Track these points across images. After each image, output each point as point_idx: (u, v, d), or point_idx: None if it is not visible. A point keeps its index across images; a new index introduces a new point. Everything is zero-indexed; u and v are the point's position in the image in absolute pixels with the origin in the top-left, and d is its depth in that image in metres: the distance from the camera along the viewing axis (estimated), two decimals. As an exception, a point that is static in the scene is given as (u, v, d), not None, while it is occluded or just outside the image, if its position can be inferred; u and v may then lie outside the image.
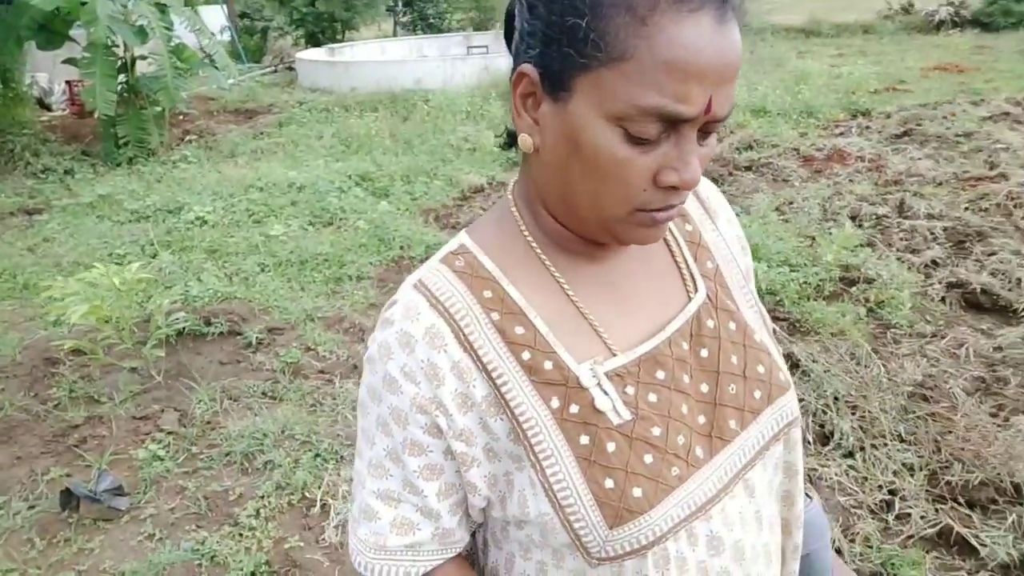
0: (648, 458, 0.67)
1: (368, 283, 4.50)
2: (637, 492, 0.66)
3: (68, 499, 2.60)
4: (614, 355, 0.71)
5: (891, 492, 2.50)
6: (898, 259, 4.24)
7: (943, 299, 3.82)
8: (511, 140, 0.74)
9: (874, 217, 4.93)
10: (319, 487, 2.65)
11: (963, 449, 2.59)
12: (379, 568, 0.72)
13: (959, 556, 2.26)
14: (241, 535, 2.46)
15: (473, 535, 0.80)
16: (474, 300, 0.70)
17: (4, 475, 2.82)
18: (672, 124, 0.60)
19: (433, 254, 0.76)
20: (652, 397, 0.70)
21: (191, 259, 4.83)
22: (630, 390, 0.69)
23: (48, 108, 11.64)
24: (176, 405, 3.22)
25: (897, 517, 2.40)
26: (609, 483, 0.66)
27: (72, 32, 8.54)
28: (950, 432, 2.71)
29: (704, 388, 0.73)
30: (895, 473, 2.56)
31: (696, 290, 0.77)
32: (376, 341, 0.71)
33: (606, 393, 0.68)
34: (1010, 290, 3.79)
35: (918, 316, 3.67)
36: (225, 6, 17.42)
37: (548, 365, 0.68)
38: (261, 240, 5.10)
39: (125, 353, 3.48)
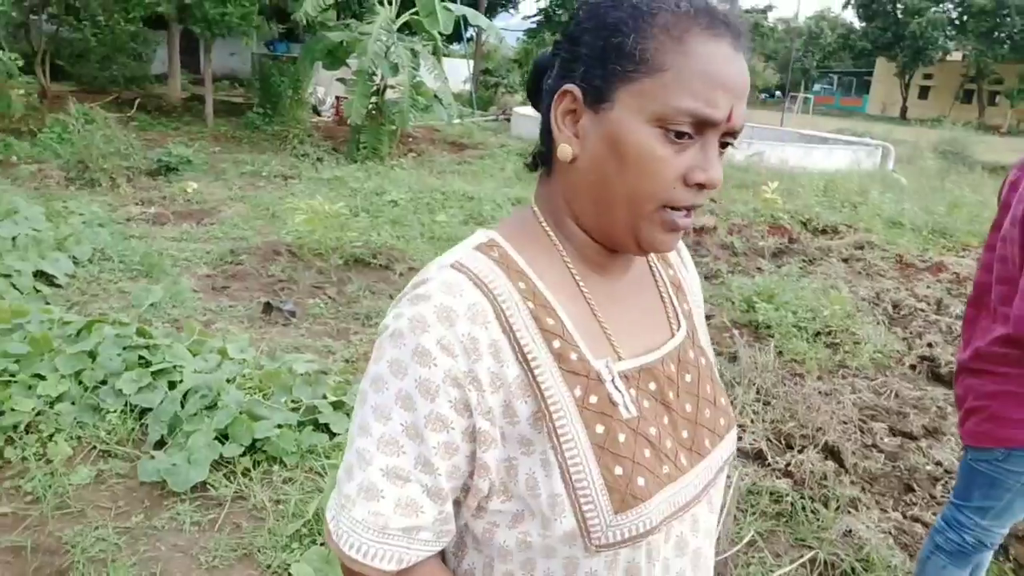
0: (647, 452, 0.75)
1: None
2: (641, 481, 0.73)
3: (267, 308, 4.46)
4: (620, 359, 0.78)
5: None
6: (894, 335, 5.09)
7: (912, 367, 4.67)
8: (536, 161, 0.84)
9: (912, 308, 5.71)
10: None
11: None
12: (375, 551, 0.71)
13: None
14: (346, 345, 4.15)
15: None
16: (512, 287, 0.74)
17: (237, 294, 4.79)
18: (701, 128, 0.71)
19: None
20: (646, 403, 0.78)
21: (378, 221, 6.83)
22: (632, 392, 0.77)
23: (318, 113, 15.06)
24: (339, 289, 5.06)
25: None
26: (619, 470, 0.72)
27: (348, 60, 11.35)
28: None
29: (688, 407, 0.82)
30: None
31: (679, 326, 0.87)
32: (404, 316, 0.71)
33: (618, 389, 0.75)
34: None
35: (872, 366, 4.59)
36: (471, 62, 20.64)
37: (574, 356, 0.74)
38: (428, 221, 7.02)
39: (318, 258, 5.41)
